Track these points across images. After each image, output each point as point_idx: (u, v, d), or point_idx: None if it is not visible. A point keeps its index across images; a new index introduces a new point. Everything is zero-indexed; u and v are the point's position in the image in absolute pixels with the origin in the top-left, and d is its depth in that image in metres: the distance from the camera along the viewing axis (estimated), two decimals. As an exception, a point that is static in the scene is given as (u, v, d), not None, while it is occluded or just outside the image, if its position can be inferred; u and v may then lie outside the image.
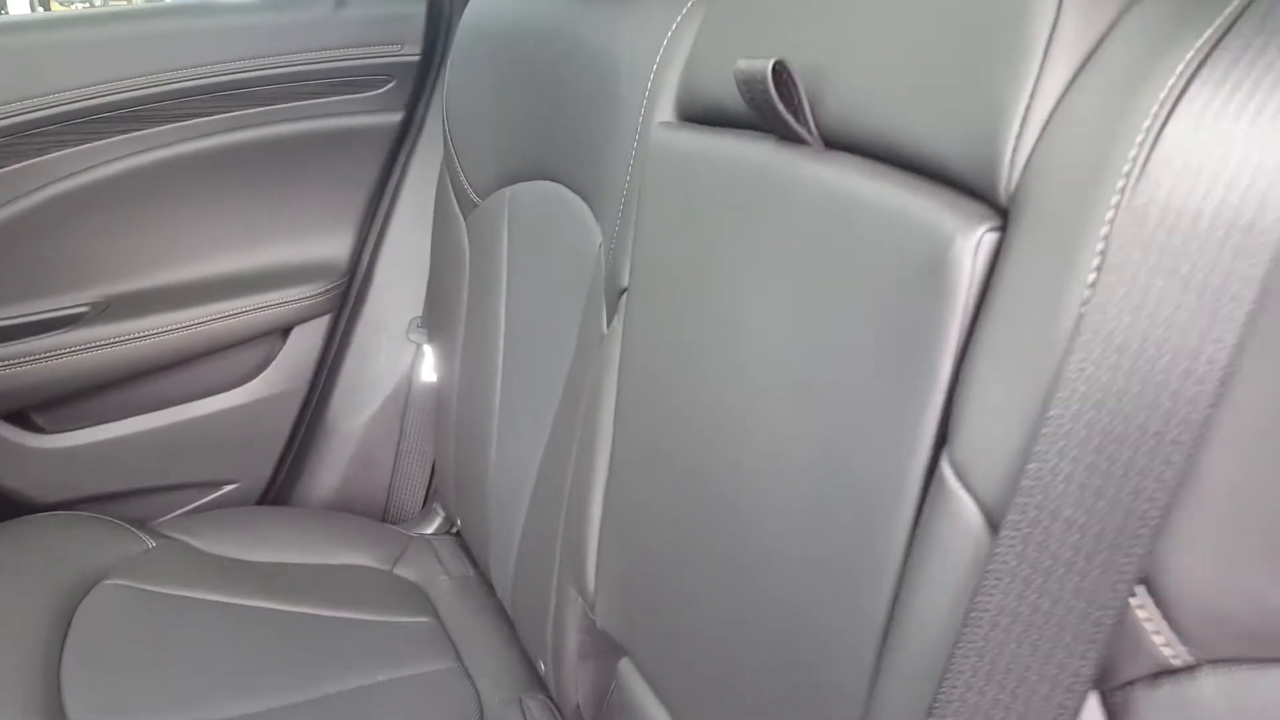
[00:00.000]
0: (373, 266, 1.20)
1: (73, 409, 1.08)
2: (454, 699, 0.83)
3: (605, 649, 0.71)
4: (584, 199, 0.80)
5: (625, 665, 0.68)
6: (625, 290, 0.67)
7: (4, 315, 1.02)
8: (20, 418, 1.06)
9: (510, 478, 0.89)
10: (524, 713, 0.83)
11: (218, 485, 1.16)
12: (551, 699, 0.83)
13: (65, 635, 0.81)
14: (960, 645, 0.36)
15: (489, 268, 0.95)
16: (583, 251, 0.78)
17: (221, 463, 1.15)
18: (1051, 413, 0.35)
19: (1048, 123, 0.38)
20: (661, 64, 0.66)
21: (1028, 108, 0.38)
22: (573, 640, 0.75)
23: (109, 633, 0.83)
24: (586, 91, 0.77)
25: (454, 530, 1.13)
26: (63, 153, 1.00)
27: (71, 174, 1.01)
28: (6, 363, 1.01)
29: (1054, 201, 0.37)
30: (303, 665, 0.83)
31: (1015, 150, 0.38)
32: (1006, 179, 0.39)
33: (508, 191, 0.93)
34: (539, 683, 0.87)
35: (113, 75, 1.00)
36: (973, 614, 0.36)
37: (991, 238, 0.39)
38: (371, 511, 1.20)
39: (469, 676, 0.86)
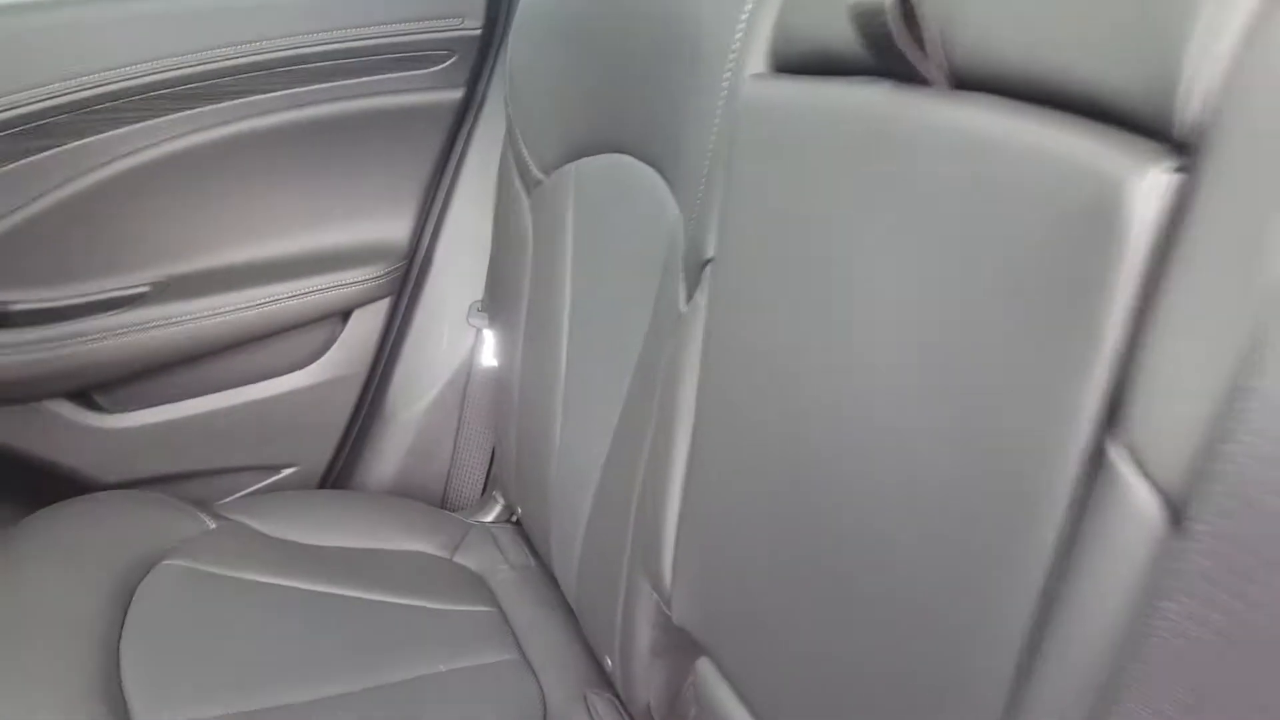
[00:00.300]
0: (433, 248, 1.17)
1: (134, 389, 1.07)
2: (516, 693, 0.79)
3: (679, 646, 0.67)
4: (657, 169, 0.75)
5: (704, 665, 0.63)
6: (710, 261, 0.62)
7: (65, 294, 1.01)
8: (83, 397, 1.06)
9: (575, 464, 0.85)
10: (589, 710, 0.79)
11: (277, 469, 1.15)
12: (618, 697, 0.79)
13: (125, 615, 0.79)
14: (1134, 658, 0.31)
15: (553, 247, 0.91)
16: (655, 226, 0.74)
17: (281, 446, 1.13)
18: (1252, 382, 0.29)
19: (1241, 42, 0.32)
20: (753, 11, 0.61)
21: (1214, 26, 0.32)
22: (644, 636, 0.70)
23: (168, 613, 0.81)
24: (661, 52, 0.72)
25: (514, 519, 1.10)
26: (121, 130, 0.98)
27: (131, 152, 0.99)
28: (69, 342, 1.00)
29: (1252, 135, 0.31)
30: (362, 651, 0.80)
31: (1198, 77, 0.32)
32: (1187, 111, 0.33)
33: (573, 167, 0.89)
34: (604, 679, 0.83)
35: (170, 50, 0.98)
36: (1151, 622, 0.31)
37: (1170, 179, 0.33)
38: (430, 498, 1.18)
39: (531, 670, 0.83)
